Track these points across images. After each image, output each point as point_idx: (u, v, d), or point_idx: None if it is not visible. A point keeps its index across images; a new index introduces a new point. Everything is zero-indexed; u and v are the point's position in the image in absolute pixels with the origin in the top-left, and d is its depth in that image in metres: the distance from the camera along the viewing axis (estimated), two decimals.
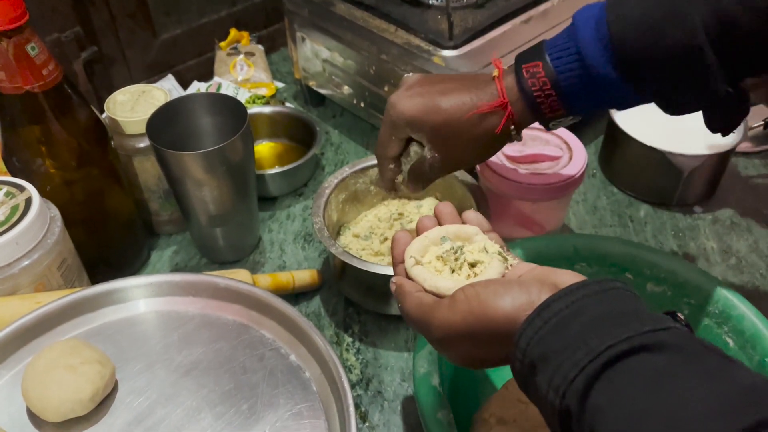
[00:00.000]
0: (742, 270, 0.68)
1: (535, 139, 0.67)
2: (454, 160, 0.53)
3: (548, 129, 0.51)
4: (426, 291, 0.42)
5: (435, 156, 0.52)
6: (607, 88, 0.46)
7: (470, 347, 0.39)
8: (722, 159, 0.72)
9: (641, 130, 0.73)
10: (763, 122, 0.77)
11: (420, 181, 0.55)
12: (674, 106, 0.46)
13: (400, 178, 0.56)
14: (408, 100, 0.51)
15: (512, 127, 0.50)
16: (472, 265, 0.43)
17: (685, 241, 0.71)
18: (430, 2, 0.76)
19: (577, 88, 0.47)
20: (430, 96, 0.50)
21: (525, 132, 0.67)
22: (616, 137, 0.76)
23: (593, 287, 0.34)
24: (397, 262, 0.46)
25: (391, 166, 0.55)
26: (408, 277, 0.44)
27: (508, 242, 0.57)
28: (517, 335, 0.34)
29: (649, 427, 0.28)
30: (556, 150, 0.66)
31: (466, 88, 0.50)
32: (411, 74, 0.54)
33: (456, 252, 0.43)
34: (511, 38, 0.72)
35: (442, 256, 0.43)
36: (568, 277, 0.37)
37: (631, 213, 0.75)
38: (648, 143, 0.72)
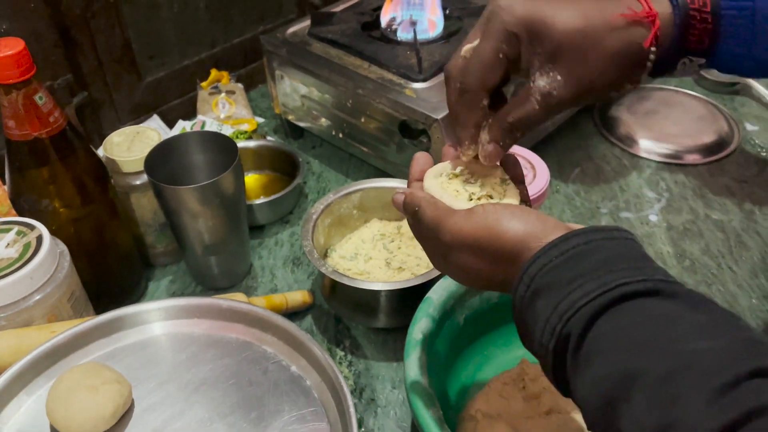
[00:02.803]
0: (696, 271, 0.75)
1: None
2: (584, 84, 0.41)
3: (666, 73, 0.43)
4: None
5: (556, 79, 0.40)
6: None
7: (473, 260, 0.39)
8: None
9: None
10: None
11: (522, 127, 0.42)
12: None
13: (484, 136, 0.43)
14: (528, 3, 0.40)
15: (654, 49, 0.41)
16: (489, 197, 0.43)
17: (644, 246, 0.78)
18: (399, 39, 0.82)
19: (737, 24, 0.40)
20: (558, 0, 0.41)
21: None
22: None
23: (612, 233, 0.35)
24: (413, 179, 0.45)
25: (485, 102, 0.42)
26: None
27: None
28: (528, 261, 0.35)
29: (650, 357, 0.29)
30: (523, 170, 0.72)
31: None
32: None
33: (474, 183, 0.44)
34: None
35: (458, 186, 0.44)
36: (573, 225, 0.38)
37: (594, 224, 0.82)
38: None
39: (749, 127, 0.95)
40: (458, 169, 0.46)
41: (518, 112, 0.42)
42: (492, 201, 0.42)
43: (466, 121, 0.43)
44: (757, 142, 0.92)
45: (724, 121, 0.95)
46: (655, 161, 0.90)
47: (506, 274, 0.38)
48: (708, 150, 0.90)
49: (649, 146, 0.91)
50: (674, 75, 0.44)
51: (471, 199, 0.43)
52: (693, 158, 0.90)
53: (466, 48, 0.43)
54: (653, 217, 0.82)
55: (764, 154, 0.90)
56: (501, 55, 0.41)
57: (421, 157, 0.46)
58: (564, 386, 0.35)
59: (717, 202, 0.83)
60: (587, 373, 0.32)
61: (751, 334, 0.29)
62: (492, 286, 0.40)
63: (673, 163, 0.89)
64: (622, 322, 0.31)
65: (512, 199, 0.43)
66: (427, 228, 0.41)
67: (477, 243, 0.38)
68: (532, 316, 0.35)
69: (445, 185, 0.44)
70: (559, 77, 0.40)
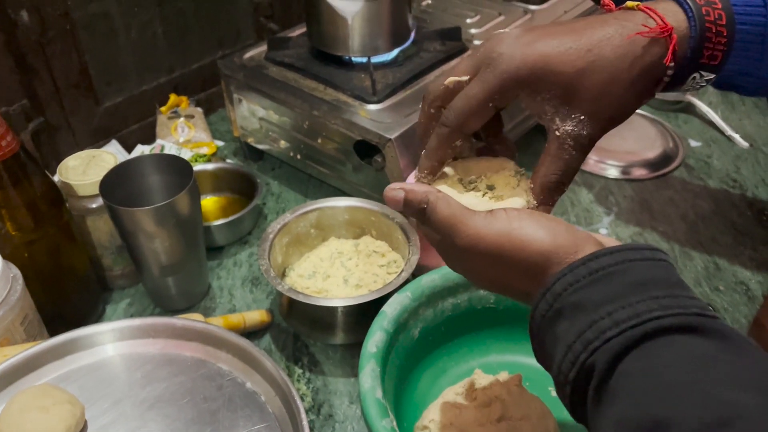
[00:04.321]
0: None
1: None
2: (607, 115, 0.39)
3: (674, 88, 0.42)
4: None
5: (580, 119, 0.38)
6: None
7: (492, 269, 0.36)
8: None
9: None
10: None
11: (567, 178, 0.40)
12: None
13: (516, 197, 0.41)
14: (529, 48, 0.38)
15: (672, 64, 0.39)
16: (491, 188, 0.41)
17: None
18: (354, 62, 0.85)
19: (749, 40, 0.40)
20: (556, 37, 0.38)
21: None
22: None
23: (645, 252, 0.32)
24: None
25: (458, 143, 0.41)
26: None
27: (438, 269, 0.64)
28: (553, 277, 0.33)
29: (683, 405, 0.26)
30: None
31: (600, 23, 0.39)
32: (500, 31, 0.42)
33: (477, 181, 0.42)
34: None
35: (461, 179, 0.42)
36: (612, 241, 0.36)
37: None
38: None
39: (692, 143, 0.99)
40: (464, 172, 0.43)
41: (558, 165, 0.39)
42: (496, 198, 0.40)
43: (433, 153, 0.42)
44: (700, 157, 0.96)
45: (669, 138, 0.99)
46: (604, 177, 0.93)
47: (527, 286, 0.35)
48: (654, 165, 0.94)
49: (598, 163, 0.94)
50: (680, 89, 0.43)
51: (484, 195, 0.41)
52: (640, 173, 0.93)
53: (451, 79, 0.41)
54: (603, 231, 0.85)
55: (705, 168, 0.94)
56: (491, 105, 0.39)
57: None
58: (579, 414, 0.33)
59: (662, 215, 0.86)
60: (611, 410, 0.29)
61: None
62: (508, 293, 0.38)
63: (621, 179, 0.93)
64: (655, 360, 0.28)
65: (516, 200, 0.40)
66: (437, 228, 0.38)
67: (498, 251, 0.35)
68: (552, 337, 0.33)
69: (455, 184, 0.42)
70: (582, 117, 0.38)
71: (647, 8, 0.40)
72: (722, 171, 0.93)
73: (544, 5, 1.00)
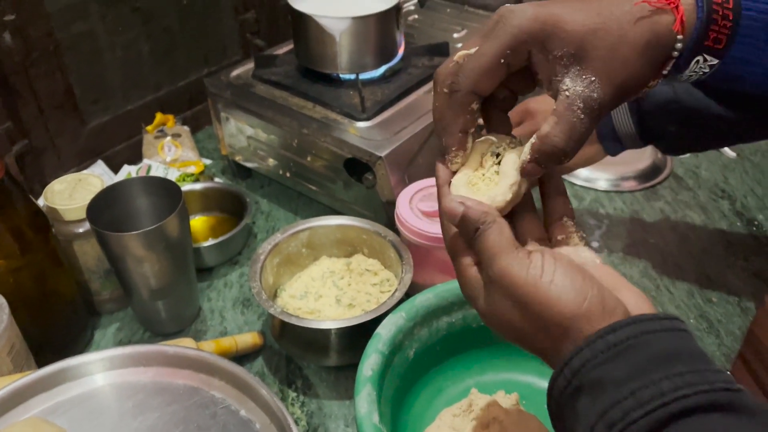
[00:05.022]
0: None
1: None
2: (618, 81, 0.37)
3: (678, 72, 0.41)
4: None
5: (591, 80, 0.37)
6: None
7: (512, 312, 0.35)
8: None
9: None
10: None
11: (572, 144, 0.38)
12: None
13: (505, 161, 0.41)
14: (540, 6, 0.38)
15: (680, 37, 0.38)
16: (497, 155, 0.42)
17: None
18: (342, 79, 0.84)
19: (754, 26, 0.40)
20: (566, 2, 0.38)
21: (432, 190, 0.75)
22: None
23: (664, 323, 0.32)
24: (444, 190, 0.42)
25: (475, 105, 0.40)
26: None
27: (432, 288, 0.63)
28: (571, 352, 0.32)
29: None
30: None
31: None
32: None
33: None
34: (416, 107, 0.81)
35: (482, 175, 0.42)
36: (634, 300, 0.35)
37: None
38: None
39: None
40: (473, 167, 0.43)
41: (563, 127, 0.37)
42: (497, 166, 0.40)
43: (452, 126, 0.40)
44: (688, 167, 0.97)
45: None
46: (594, 189, 0.93)
47: (544, 343, 0.34)
48: (643, 177, 0.94)
49: (587, 176, 0.95)
50: (681, 77, 0.42)
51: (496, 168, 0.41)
52: (630, 185, 0.93)
53: (461, 53, 0.40)
54: (595, 243, 0.84)
55: (694, 178, 0.95)
56: (502, 61, 0.38)
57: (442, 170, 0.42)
58: None
59: (653, 227, 0.86)
60: None
61: None
62: (523, 343, 0.36)
63: (611, 191, 0.93)
64: None
65: (511, 160, 0.40)
66: (480, 251, 0.37)
67: (524, 298, 0.34)
68: (572, 414, 0.32)
69: (474, 181, 0.42)
70: (593, 78, 0.37)
71: None
72: (711, 181, 0.94)
73: None
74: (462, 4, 1.04)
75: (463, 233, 0.39)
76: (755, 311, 0.74)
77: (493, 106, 0.43)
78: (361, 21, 0.79)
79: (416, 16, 1.01)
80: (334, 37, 0.80)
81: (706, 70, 0.41)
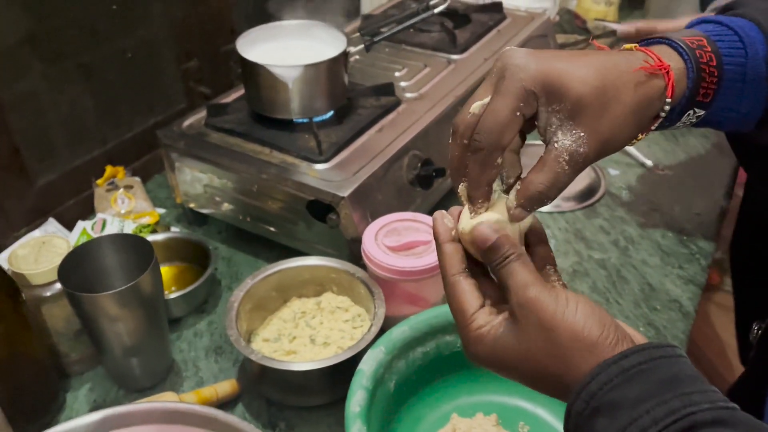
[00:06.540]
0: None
1: (408, 228, 0.78)
2: (605, 138, 0.40)
3: (668, 124, 0.46)
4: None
5: (580, 136, 0.40)
6: (761, 88, 0.45)
7: (536, 341, 0.38)
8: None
9: None
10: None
11: (553, 192, 0.41)
12: None
13: (500, 194, 0.44)
14: (543, 60, 0.40)
15: (669, 100, 0.43)
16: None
17: None
18: (296, 122, 0.87)
19: (733, 79, 0.45)
20: (568, 57, 0.41)
21: (398, 224, 0.79)
22: None
23: (667, 350, 0.36)
24: (444, 241, 0.44)
25: (499, 160, 0.41)
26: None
27: (406, 321, 0.66)
28: (587, 377, 0.35)
29: None
30: (426, 235, 0.77)
31: (605, 53, 0.43)
32: (508, 48, 0.43)
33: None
34: (371, 146, 0.85)
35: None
36: (629, 330, 0.39)
37: None
38: None
39: (612, 172, 1.07)
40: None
41: (548, 176, 0.40)
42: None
43: (479, 180, 0.42)
44: (620, 185, 1.04)
45: (591, 169, 1.07)
46: (538, 211, 0.99)
47: (560, 369, 0.37)
48: (582, 196, 1.01)
49: None
50: (674, 126, 0.46)
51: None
52: (570, 205, 1.00)
53: (476, 105, 0.42)
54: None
55: (626, 194, 1.02)
56: (518, 114, 0.40)
57: (440, 217, 0.44)
58: None
59: (596, 243, 0.93)
60: None
61: None
62: (530, 370, 0.39)
63: (554, 212, 0.99)
64: None
65: (499, 205, 0.43)
66: (506, 278, 0.40)
67: (551, 323, 0.37)
68: None
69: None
70: (582, 134, 0.40)
71: (645, 49, 0.43)
72: (642, 196, 1.02)
73: (465, 54, 1.06)
74: (399, 43, 1.09)
75: (489, 259, 0.41)
76: (694, 315, 0.81)
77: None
78: (312, 68, 0.83)
79: (357, 57, 1.05)
80: (287, 85, 0.82)
81: (694, 120, 0.46)
